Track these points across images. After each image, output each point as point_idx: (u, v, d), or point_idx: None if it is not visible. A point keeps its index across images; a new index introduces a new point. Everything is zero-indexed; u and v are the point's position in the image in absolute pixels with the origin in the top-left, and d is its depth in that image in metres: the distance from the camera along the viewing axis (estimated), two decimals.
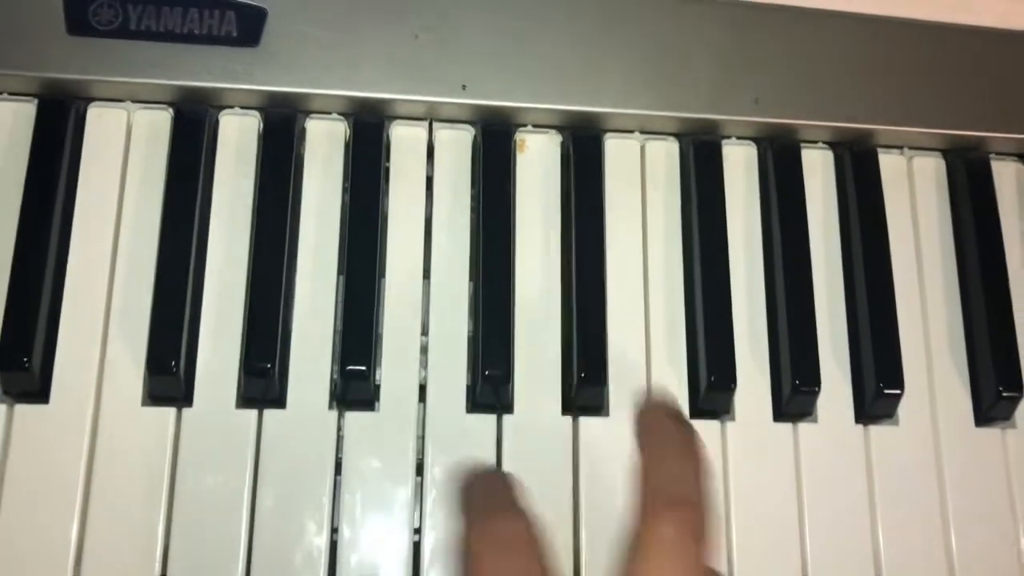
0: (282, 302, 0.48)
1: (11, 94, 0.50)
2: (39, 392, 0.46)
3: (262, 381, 0.47)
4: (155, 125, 0.51)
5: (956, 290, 0.54)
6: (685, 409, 0.50)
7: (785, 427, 0.50)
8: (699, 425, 0.49)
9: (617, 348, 0.50)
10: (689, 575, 0.35)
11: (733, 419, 0.50)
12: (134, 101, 0.51)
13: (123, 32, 0.49)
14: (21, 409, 0.46)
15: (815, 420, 0.51)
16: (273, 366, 0.46)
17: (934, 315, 0.53)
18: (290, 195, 0.50)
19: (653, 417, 0.39)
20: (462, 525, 0.37)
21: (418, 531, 0.47)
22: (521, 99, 0.52)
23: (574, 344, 0.49)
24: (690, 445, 0.37)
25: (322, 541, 0.46)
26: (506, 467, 0.48)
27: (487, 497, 0.38)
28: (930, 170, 0.56)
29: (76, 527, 0.45)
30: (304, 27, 0.51)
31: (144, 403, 0.47)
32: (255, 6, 0.50)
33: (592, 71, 0.53)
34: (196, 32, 0.50)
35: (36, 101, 0.50)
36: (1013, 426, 0.52)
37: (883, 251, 0.52)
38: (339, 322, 0.49)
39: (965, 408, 0.51)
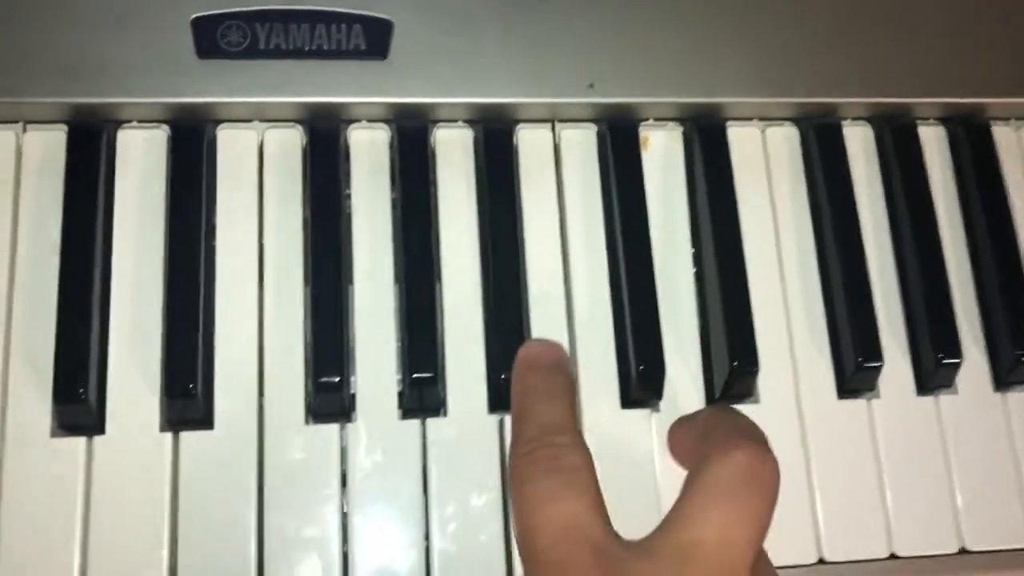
0: (436, 309, 0.49)
1: (140, 121, 0.50)
2: None
3: (421, 390, 0.47)
4: (288, 143, 0.51)
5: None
6: (833, 391, 0.51)
7: (929, 400, 0.51)
8: (847, 404, 0.50)
9: (763, 335, 0.50)
10: (743, 522, 0.34)
11: (879, 397, 0.51)
12: (262, 120, 0.51)
13: (252, 52, 0.49)
14: None
15: (955, 391, 0.52)
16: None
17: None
18: (431, 204, 0.50)
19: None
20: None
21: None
22: (645, 94, 0.52)
23: (724, 335, 0.49)
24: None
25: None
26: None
27: None
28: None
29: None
30: (429, 37, 0.51)
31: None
32: (382, 19, 0.50)
33: (710, 61, 0.53)
34: (325, 48, 0.50)
35: (166, 127, 0.50)
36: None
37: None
38: (487, 326, 0.49)
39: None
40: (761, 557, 0.36)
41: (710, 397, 0.50)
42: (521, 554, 0.36)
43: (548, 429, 0.38)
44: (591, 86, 0.52)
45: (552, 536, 0.34)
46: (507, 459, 0.38)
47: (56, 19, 0.48)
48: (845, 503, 0.49)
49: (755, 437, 0.37)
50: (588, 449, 0.37)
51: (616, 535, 0.35)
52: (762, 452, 0.36)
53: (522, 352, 0.42)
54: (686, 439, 0.41)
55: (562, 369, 0.41)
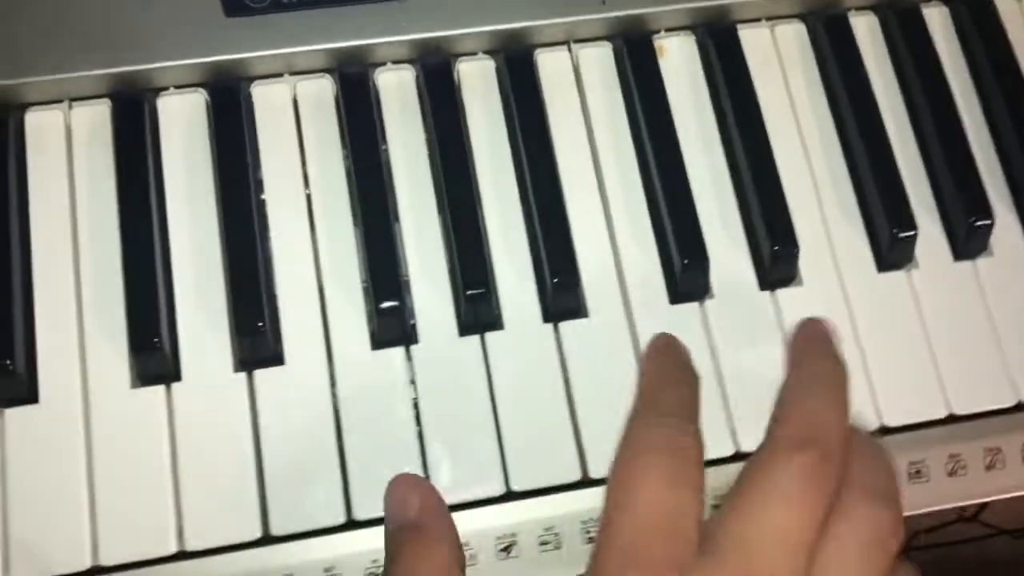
0: (484, 239, 0.50)
1: (176, 87, 0.52)
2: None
3: (476, 306, 0.49)
4: (319, 94, 0.53)
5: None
6: (873, 266, 0.52)
7: (966, 265, 0.53)
8: (888, 277, 0.52)
9: (799, 220, 0.52)
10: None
11: (917, 267, 0.53)
12: (292, 73, 0.53)
13: (277, 5, 0.51)
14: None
15: (991, 254, 0.53)
16: (487, 290, 0.48)
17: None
18: (463, 136, 0.52)
19: (808, 344, 0.38)
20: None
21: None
22: (655, 4, 0.54)
23: (762, 222, 0.51)
24: (841, 387, 0.36)
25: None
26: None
27: None
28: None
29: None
30: None
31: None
32: None
33: None
34: None
35: (203, 91, 0.52)
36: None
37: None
38: (532, 242, 0.51)
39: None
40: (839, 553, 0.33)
41: (762, 283, 0.51)
42: (602, 526, 0.33)
43: (679, 408, 0.35)
44: (603, 1, 0.53)
45: (643, 519, 0.32)
46: (627, 418, 0.36)
47: None
48: (898, 372, 0.51)
49: (822, 432, 0.34)
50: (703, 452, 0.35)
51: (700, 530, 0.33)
52: (833, 451, 0.34)
53: (655, 339, 0.39)
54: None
55: (694, 374, 0.38)
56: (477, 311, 0.49)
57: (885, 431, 0.50)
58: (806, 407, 0.35)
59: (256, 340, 0.47)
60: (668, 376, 0.37)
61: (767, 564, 0.32)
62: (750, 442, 0.48)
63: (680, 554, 0.32)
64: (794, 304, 0.51)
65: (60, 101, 0.51)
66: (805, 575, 0.33)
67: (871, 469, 0.35)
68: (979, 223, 0.52)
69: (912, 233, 0.51)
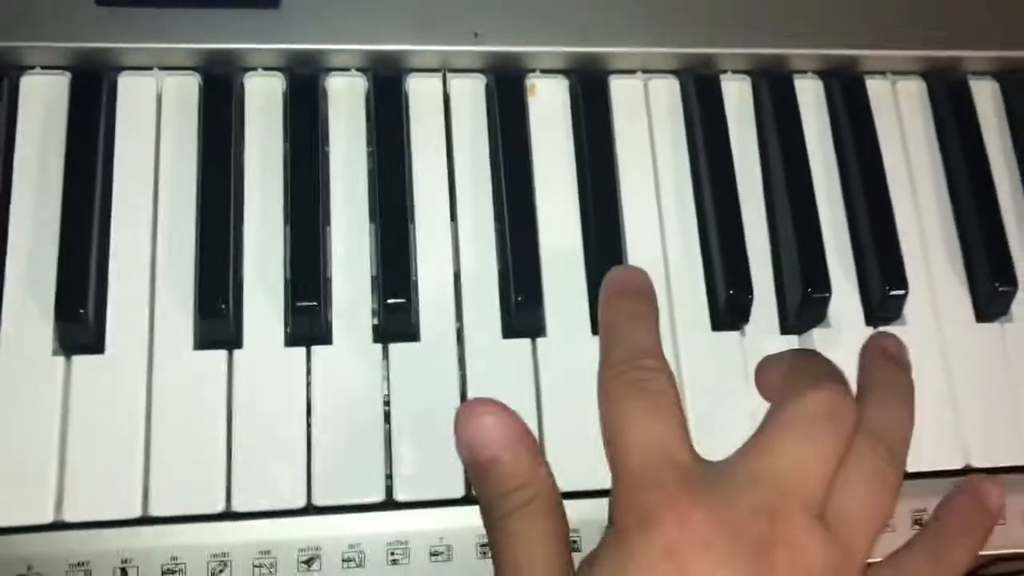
0: (320, 250, 0.51)
1: (43, 68, 0.52)
2: (94, 344, 0.48)
3: (307, 319, 0.49)
4: (184, 90, 0.53)
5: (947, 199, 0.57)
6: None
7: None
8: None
9: None
10: (817, 456, 0.37)
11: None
12: (162, 68, 0.53)
13: (149, 0, 0.52)
14: (79, 360, 0.48)
15: (828, 325, 0.54)
16: (319, 304, 0.49)
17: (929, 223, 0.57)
18: (319, 151, 0.52)
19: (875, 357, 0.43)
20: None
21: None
22: (531, 44, 0.55)
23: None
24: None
25: (379, 474, 0.48)
26: (544, 385, 0.50)
27: None
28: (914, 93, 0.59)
29: (140, 469, 0.47)
30: None
31: (196, 347, 0.49)
32: None
33: (594, 11, 0.55)
34: None
35: (69, 74, 0.52)
36: (1010, 320, 0.55)
37: (878, 166, 0.56)
38: (374, 266, 0.51)
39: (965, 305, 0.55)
40: (852, 484, 0.38)
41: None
42: (612, 469, 0.38)
43: (636, 352, 0.39)
44: (476, 35, 0.54)
45: (641, 455, 0.37)
46: (597, 380, 0.40)
47: None
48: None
49: (837, 380, 0.39)
50: (672, 373, 0.39)
51: (697, 456, 0.38)
52: (842, 393, 0.38)
53: (607, 279, 0.44)
54: (772, 375, 0.43)
55: (648, 295, 0.43)
56: (395, 321, 0.50)
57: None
58: (812, 365, 0.40)
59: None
60: (619, 320, 0.41)
61: (778, 498, 0.35)
62: None
63: (677, 477, 0.36)
64: None
65: None
66: (819, 509, 0.36)
67: (887, 414, 0.39)
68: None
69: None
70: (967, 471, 0.52)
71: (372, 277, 0.51)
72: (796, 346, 0.53)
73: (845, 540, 0.36)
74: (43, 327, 0.48)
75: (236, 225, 0.51)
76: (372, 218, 0.52)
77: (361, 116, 0.54)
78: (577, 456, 0.47)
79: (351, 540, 0.48)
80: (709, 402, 0.51)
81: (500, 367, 0.50)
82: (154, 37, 0.52)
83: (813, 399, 0.37)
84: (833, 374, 0.40)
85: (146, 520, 0.47)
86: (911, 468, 0.50)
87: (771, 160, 0.56)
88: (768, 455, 0.37)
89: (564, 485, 0.47)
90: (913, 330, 0.54)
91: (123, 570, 0.46)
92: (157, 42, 0.52)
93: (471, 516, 0.48)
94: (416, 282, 0.51)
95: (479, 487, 0.39)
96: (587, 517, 0.48)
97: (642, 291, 0.43)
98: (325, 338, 0.50)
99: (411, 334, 0.51)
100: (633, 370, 0.39)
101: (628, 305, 0.42)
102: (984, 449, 0.52)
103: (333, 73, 0.55)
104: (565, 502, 0.43)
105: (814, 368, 0.40)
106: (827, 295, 0.52)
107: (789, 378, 0.40)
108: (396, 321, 0.50)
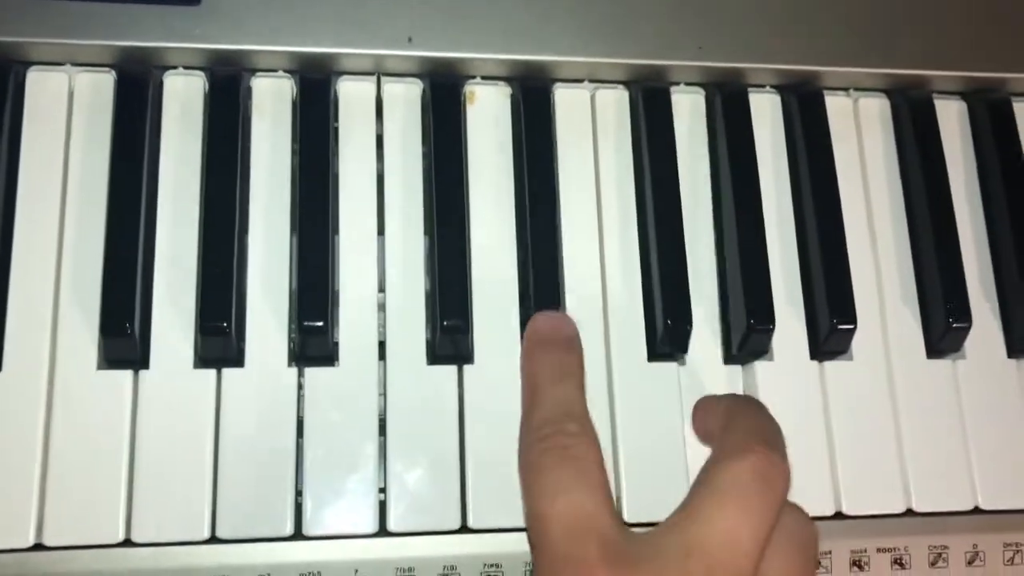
0: (235, 262, 0.48)
1: None
2: None
3: (219, 340, 0.46)
4: (97, 87, 0.50)
5: (904, 229, 0.54)
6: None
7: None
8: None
9: (572, 292, 0.50)
10: (750, 524, 0.35)
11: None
12: (74, 64, 0.50)
13: None
14: None
15: (772, 358, 0.51)
16: (229, 325, 0.46)
17: (884, 253, 0.54)
18: (239, 155, 0.49)
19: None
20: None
21: (383, 490, 0.47)
22: (468, 50, 0.52)
23: (531, 291, 0.49)
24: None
25: (287, 498, 0.46)
26: (469, 417, 0.48)
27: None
28: (875, 110, 0.56)
29: (36, 493, 0.45)
30: None
31: (100, 367, 0.47)
32: None
33: (537, 18, 0.52)
34: None
35: None
36: (963, 357, 0.53)
37: (833, 192, 0.53)
38: (294, 280, 0.49)
39: (917, 341, 0.52)
40: (781, 551, 0.36)
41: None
42: (530, 540, 0.37)
43: (559, 414, 0.39)
44: (410, 40, 0.51)
45: (562, 528, 0.35)
46: (518, 440, 0.39)
47: None
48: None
49: (770, 440, 0.38)
50: (596, 436, 0.38)
51: (623, 528, 0.36)
52: (774, 457, 0.37)
53: (531, 327, 0.43)
54: (708, 421, 0.42)
55: (572, 347, 0.42)
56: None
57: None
58: (749, 421, 0.39)
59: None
60: (541, 378, 0.41)
61: (709, 573, 0.34)
62: None
63: (600, 549, 0.35)
64: None
65: None
66: None
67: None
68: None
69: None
70: (909, 514, 0.50)
71: (290, 292, 0.49)
72: (739, 377, 0.51)
73: None
74: None
75: (147, 234, 0.48)
76: (293, 229, 0.49)
77: (287, 119, 0.51)
78: (501, 490, 0.46)
79: (261, 570, 0.46)
80: (642, 434, 0.48)
81: (423, 395, 0.48)
82: (68, 32, 0.49)
83: (747, 465, 0.36)
84: (767, 430, 0.39)
85: (39, 547, 0.44)
86: (851, 512, 0.49)
87: (721, 180, 0.53)
88: (701, 525, 0.35)
89: (486, 519, 0.46)
90: (860, 365, 0.51)
91: None
92: (71, 38, 0.49)
93: (386, 549, 0.46)
94: (337, 300, 0.49)
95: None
96: (510, 551, 0.46)
97: (569, 342, 0.41)
98: (237, 360, 0.47)
99: (329, 357, 0.48)
100: (557, 434, 0.37)
101: (554, 361, 0.41)
102: (927, 492, 0.50)
103: (259, 74, 0.52)
104: (488, 536, 0.41)
105: (751, 423, 0.39)
106: (770, 327, 0.50)
107: (724, 434, 0.39)
108: (313, 344, 0.47)
